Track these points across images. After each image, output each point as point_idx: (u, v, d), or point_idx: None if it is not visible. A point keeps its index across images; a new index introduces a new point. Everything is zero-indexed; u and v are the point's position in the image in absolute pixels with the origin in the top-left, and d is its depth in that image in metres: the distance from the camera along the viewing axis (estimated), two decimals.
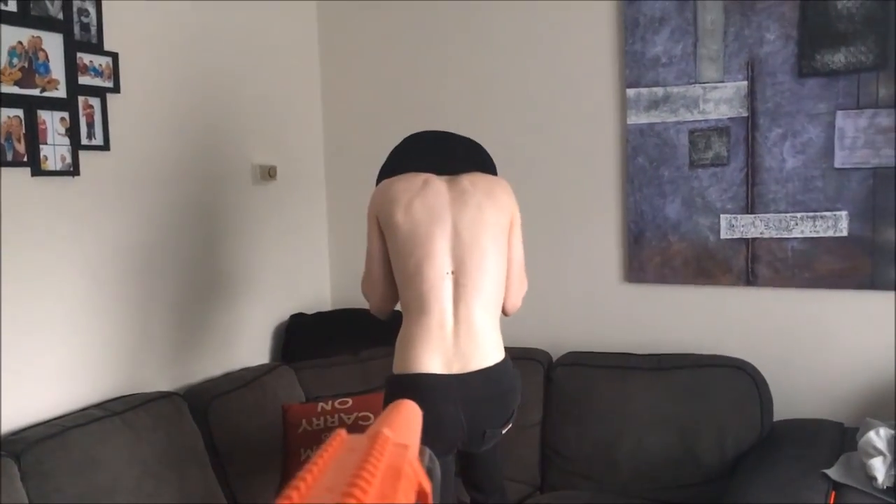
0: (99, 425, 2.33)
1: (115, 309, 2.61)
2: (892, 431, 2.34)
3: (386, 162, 2.39)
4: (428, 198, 2.19)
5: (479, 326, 2.14)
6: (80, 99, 2.45)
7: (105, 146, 2.54)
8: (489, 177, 2.30)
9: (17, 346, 2.28)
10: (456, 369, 2.11)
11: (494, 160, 2.44)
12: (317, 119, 3.60)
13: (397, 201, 2.19)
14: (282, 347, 3.35)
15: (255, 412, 2.86)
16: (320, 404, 2.97)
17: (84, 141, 2.46)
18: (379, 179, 2.35)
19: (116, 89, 2.57)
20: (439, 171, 2.28)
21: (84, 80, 2.45)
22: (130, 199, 2.66)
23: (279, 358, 3.33)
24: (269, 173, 3.24)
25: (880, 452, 2.30)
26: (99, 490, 2.22)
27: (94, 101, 2.50)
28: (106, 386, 2.55)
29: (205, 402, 2.72)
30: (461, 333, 2.13)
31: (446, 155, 2.35)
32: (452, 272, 2.14)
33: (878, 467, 2.28)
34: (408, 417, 0.61)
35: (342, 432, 0.51)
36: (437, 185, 2.23)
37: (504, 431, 2.29)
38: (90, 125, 2.49)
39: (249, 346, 3.22)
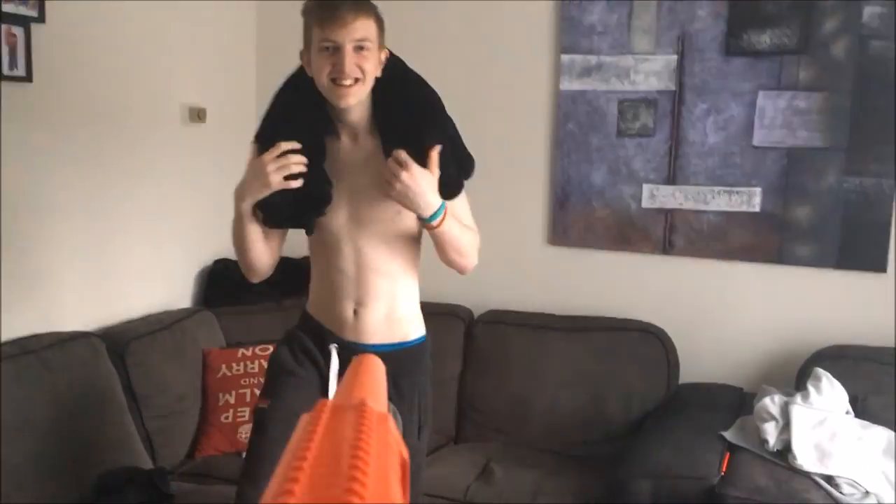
0: (13, 362, 2.30)
1: (34, 244, 2.55)
2: (785, 399, 2.49)
3: None
4: None
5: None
6: (3, 27, 2.36)
7: (28, 77, 2.46)
8: None
9: None
10: None
11: None
12: (250, 62, 3.54)
13: None
14: (204, 292, 3.33)
15: (175, 356, 2.85)
16: (241, 350, 2.98)
17: (6, 71, 2.38)
18: None
19: (41, 19, 2.48)
20: None
21: (7, 7, 2.36)
22: (51, 133, 2.59)
23: (201, 303, 3.31)
24: (198, 115, 3.18)
25: (773, 417, 2.44)
26: (12, 427, 2.19)
27: (18, 31, 2.41)
28: (20, 322, 2.51)
29: (122, 343, 2.70)
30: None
31: None
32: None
33: (770, 431, 2.43)
34: (377, 376, 0.62)
35: (326, 403, 0.51)
36: None
37: None
38: (12, 55, 2.40)
39: (171, 290, 3.19)
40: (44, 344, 2.44)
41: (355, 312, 1.87)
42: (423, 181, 1.72)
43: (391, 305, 1.90)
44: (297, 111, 1.82)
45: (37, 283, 2.58)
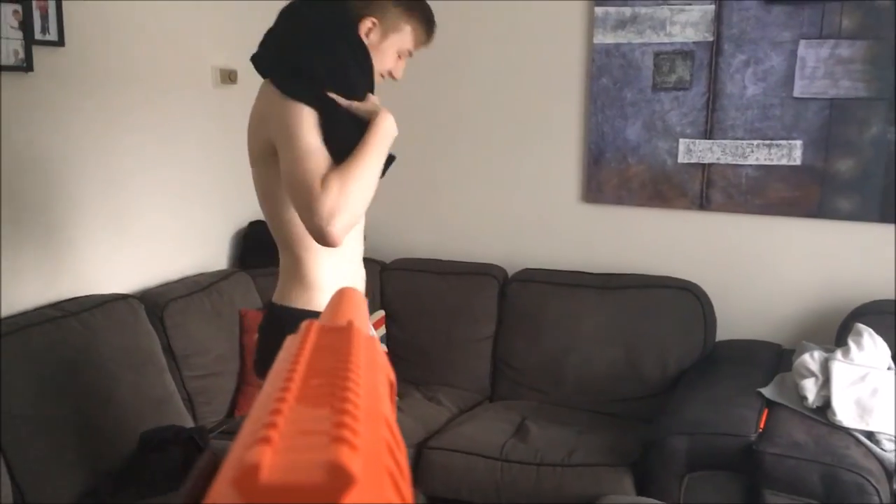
0: (54, 325, 2.34)
1: (69, 209, 2.58)
2: (825, 355, 2.45)
3: None
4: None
5: (281, 263, 1.74)
6: None
7: (60, 41, 2.46)
8: (275, 96, 1.61)
9: None
10: None
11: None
12: None
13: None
14: (239, 254, 3.36)
15: (212, 316, 2.89)
16: None
17: (38, 35, 2.39)
18: None
19: None
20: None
21: None
22: (84, 98, 2.60)
23: (236, 264, 3.34)
24: (228, 77, 3.18)
25: (813, 374, 2.41)
26: (55, 388, 2.24)
27: None
28: (61, 286, 2.55)
29: (161, 305, 2.73)
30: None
31: (265, 39, 1.79)
32: None
33: (810, 388, 2.40)
34: (359, 303, 0.62)
35: (312, 323, 0.51)
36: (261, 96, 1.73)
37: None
38: (44, 19, 2.41)
39: (206, 252, 3.22)
40: (84, 307, 2.48)
41: None
42: None
43: None
44: (370, 73, 1.71)
45: (75, 246, 2.61)
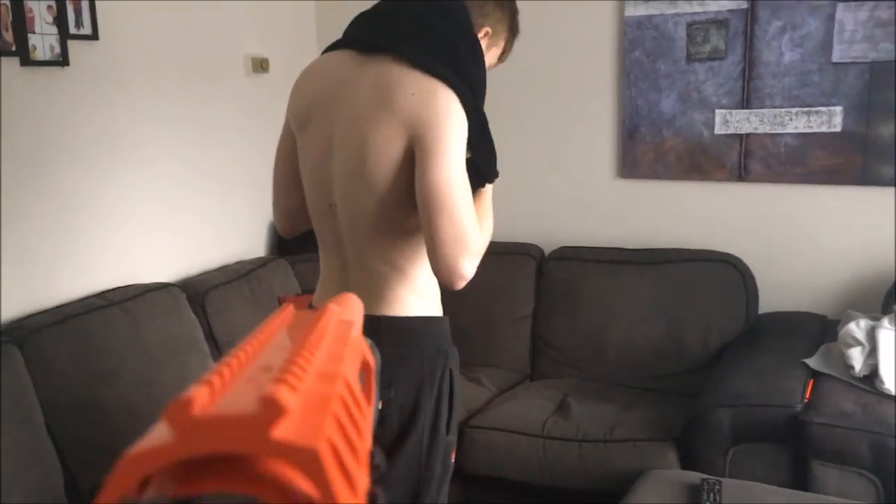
0: (99, 314, 2.38)
1: (107, 199, 2.63)
2: (872, 323, 2.40)
3: None
4: (317, 93, 1.57)
5: (372, 270, 1.55)
6: None
7: (94, 35, 2.50)
8: (408, 71, 1.44)
9: (14, 236, 2.31)
10: None
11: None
12: (309, 10, 3.53)
13: (296, 94, 1.63)
14: (276, 241, 3.39)
15: (252, 303, 2.92)
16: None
17: (72, 30, 2.43)
18: None
19: None
20: (359, 47, 1.55)
21: None
22: (120, 90, 2.63)
23: (275, 251, 3.37)
24: (261, 65, 3.20)
25: (859, 343, 2.37)
26: (101, 376, 2.29)
27: None
28: (103, 276, 2.60)
29: (202, 293, 2.77)
30: (350, 269, 1.59)
31: (374, 20, 1.56)
32: (332, 205, 1.56)
33: (856, 357, 2.36)
34: (351, 304, 0.62)
35: (291, 306, 0.52)
36: (336, 73, 1.55)
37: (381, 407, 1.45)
38: (78, 13, 2.44)
39: (244, 240, 3.25)
40: (128, 295, 2.52)
41: None
42: None
43: None
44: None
45: (116, 237, 2.65)
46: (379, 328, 1.51)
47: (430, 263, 1.45)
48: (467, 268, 1.43)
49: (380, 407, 1.46)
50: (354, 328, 0.51)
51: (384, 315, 1.53)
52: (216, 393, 0.34)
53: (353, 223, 1.53)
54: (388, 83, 1.44)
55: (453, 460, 1.63)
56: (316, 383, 0.37)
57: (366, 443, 0.38)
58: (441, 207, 1.40)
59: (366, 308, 1.46)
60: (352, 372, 0.43)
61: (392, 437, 1.52)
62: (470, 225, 1.42)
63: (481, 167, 1.55)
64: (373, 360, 0.52)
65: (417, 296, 1.57)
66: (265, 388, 0.33)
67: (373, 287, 1.54)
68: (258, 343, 0.42)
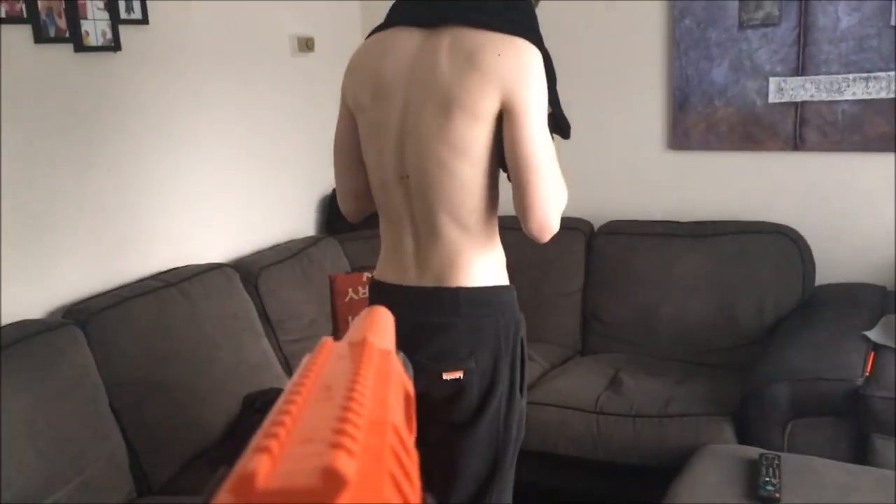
0: (156, 295, 2.43)
1: (161, 182, 2.66)
2: None
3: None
4: (386, 67, 1.56)
5: (447, 240, 1.58)
6: None
7: (144, 20, 2.52)
8: (485, 34, 1.47)
9: (72, 220, 2.36)
10: (409, 280, 1.63)
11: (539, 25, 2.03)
12: None
13: (357, 73, 1.62)
14: (325, 220, 3.41)
15: (303, 282, 2.95)
16: (365, 274, 3.05)
17: (123, 15, 2.45)
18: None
19: None
20: (421, 21, 1.55)
21: None
22: (170, 74, 2.66)
23: (324, 230, 3.40)
24: (306, 44, 3.20)
25: None
26: (161, 355, 2.34)
27: None
28: (158, 258, 2.64)
29: (254, 272, 2.80)
30: (423, 242, 1.61)
31: None
32: (405, 177, 1.57)
33: None
34: (382, 322, 0.63)
35: (329, 340, 0.53)
36: (403, 46, 1.55)
37: (451, 378, 1.58)
38: None
39: (293, 219, 3.28)
40: (183, 276, 2.56)
41: None
42: None
43: None
44: None
45: (170, 219, 2.70)
46: (458, 300, 1.57)
47: (521, 219, 1.52)
48: (557, 221, 1.52)
49: (460, 377, 1.55)
50: (392, 358, 0.52)
51: (462, 286, 1.57)
52: (276, 460, 0.36)
53: (430, 191, 1.55)
54: (469, 47, 1.46)
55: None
56: (368, 437, 0.38)
57: (416, 491, 0.40)
58: (535, 164, 1.47)
59: (440, 279, 1.60)
60: (398, 415, 0.44)
61: (473, 404, 1.58)
62: (559, 179, 1.51)
63: (560, 122, 1.60)
64: (411, 387, 0.53)
65: (491, 262, 1.62)
66: (324, 455, 0.35)
67: (446, 256, 1.58)
68: (306, 391, 0.43)
